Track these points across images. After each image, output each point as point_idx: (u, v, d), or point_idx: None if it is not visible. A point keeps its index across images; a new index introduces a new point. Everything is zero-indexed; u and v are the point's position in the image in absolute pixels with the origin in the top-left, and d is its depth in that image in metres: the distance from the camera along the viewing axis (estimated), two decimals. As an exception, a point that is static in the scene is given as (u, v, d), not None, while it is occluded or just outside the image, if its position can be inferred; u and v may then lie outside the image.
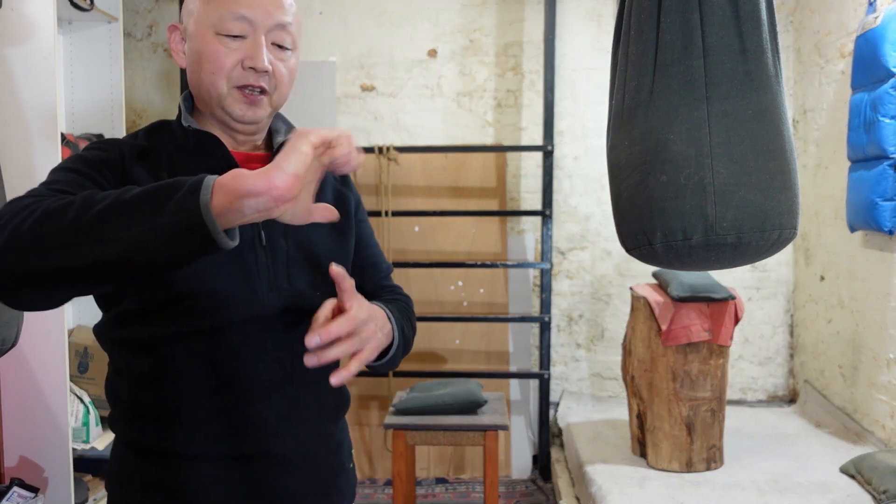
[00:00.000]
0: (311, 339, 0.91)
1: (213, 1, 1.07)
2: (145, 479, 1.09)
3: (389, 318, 1.11)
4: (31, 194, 0.92)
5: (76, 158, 1.05)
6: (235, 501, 1.09)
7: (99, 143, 1.10)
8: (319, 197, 1.09)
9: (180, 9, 1.17)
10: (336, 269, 0.96)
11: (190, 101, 1.16)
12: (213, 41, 1.07)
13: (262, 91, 1.09)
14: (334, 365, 0.97)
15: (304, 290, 1.11)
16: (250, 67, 1.07)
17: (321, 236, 1.15)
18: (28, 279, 0.85)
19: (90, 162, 1.03)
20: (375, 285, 1.28)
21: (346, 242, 1.21)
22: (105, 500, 3.05)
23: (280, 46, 1.11)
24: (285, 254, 1.11)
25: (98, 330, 1.14)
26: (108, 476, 1.17)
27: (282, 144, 1.15)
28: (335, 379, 0.92)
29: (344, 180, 1.25)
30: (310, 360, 0.92)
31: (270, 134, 1.21)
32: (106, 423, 2.85)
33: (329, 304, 0.98)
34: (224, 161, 1.10)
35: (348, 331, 0.95)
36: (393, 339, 1.11)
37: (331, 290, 1.01)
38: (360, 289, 1.10)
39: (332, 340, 0.93)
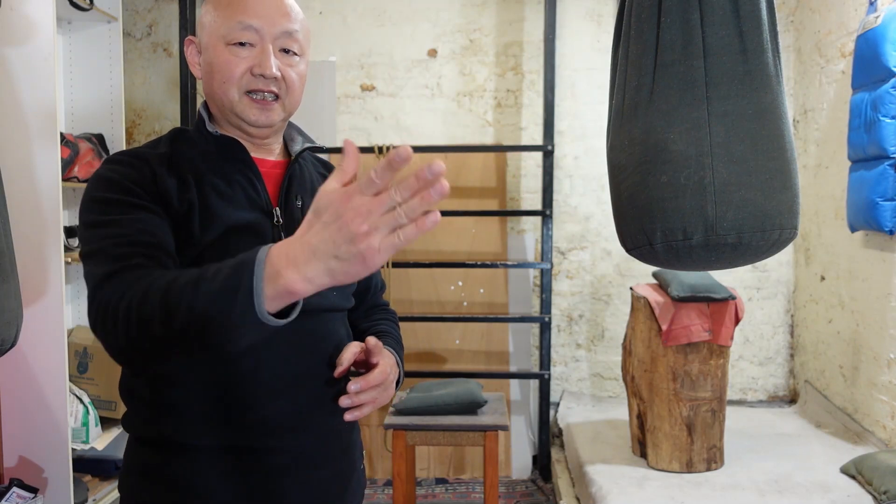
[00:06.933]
0: (353, 386, 1.08)
1: (223, 14, 1.12)
2: (162, 473, 1.11)
3: (398, 363, 1.24)
4: (105, 278, 0.97)
5: (108, 184, 1.07)
6: (247, 496, 1.11)
7: (124, 159, 1.11)
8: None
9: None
10: (371, 341, 1.14)
11: (207, 109, 1.22)
12: (223, 51, 1.12)
13: (276, 97, 1.15)
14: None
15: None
16: (259, 74, 1.12)
17: None
18: (143, 363, 1.01)
19: (125, 187, 1.06)
20: (373, 304, 1.40)
21: None
22: (104, 500, 3.05)
23: (288, 52, 1.15)
24: None
25: None
26: (124, 476, 1.17)
27: (301, 153, 1.23)
28: (349, 416, 1.10)
29: None
30: (344, 401, 1.09)
31: (286, 142, 1.27)
32: (107, 423, 2.86)
33: (353, 347, 1.14)
34: (246, 166, 1.16)
35: (380, 382, 1.12)
36: (399, 377, 1.24)
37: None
38: (361, 302, 1.35)
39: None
